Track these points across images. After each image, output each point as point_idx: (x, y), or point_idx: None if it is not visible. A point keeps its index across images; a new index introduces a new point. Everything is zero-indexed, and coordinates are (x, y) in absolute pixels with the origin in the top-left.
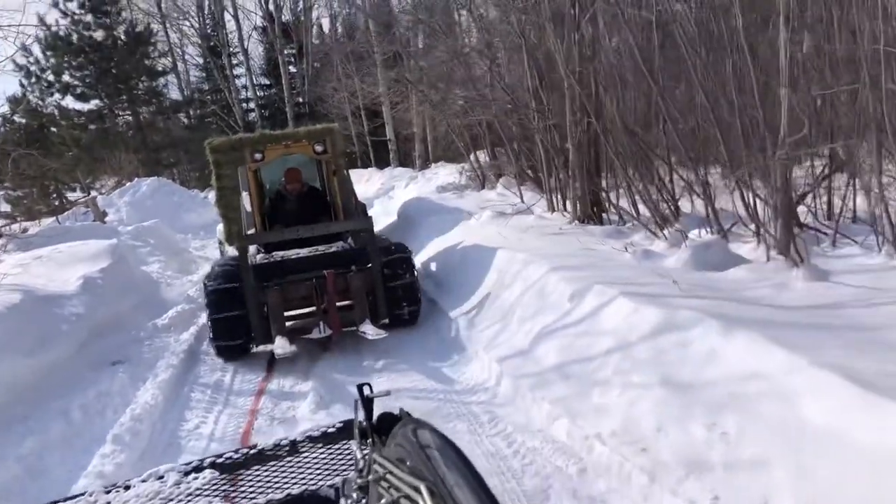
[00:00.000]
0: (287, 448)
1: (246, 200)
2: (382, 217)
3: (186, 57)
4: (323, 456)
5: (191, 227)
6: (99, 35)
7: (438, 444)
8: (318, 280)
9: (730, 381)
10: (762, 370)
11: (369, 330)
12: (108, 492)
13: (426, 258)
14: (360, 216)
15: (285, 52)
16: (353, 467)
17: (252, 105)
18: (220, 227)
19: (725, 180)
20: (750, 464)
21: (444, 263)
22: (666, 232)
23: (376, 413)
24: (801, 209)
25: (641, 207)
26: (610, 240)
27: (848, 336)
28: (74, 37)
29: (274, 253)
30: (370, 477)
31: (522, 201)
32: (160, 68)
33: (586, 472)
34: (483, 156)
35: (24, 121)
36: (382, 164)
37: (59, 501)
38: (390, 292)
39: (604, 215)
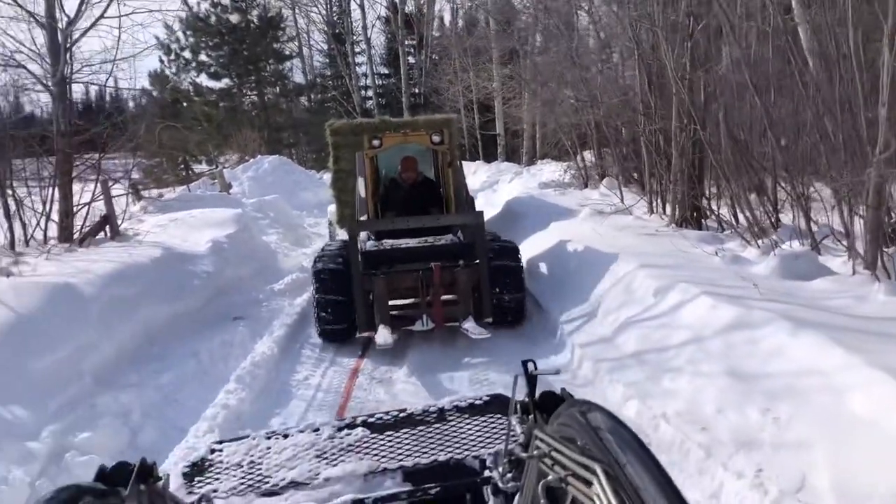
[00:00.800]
0: (435, 415)
1: (360, 186)
2: (486, 209)
3: (312, 43)
4: (469, 426)
5: (306, 204)
6: (234, 18)
7: (612, 427)
8: (424, 272)
9: (789, 374)
10: (820, 366)
11: (472, 328)
12: (268, 437)
13: (522, 249)
14: (470, 210)
15: (406, 42)
16: (499, 440)
17: (370, 93)
18: (332, 208)
19: (824, 195)
20: (795, 444)
21: (538, 255)
22: (760, 241)
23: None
24: None
25: (741, 216)
26: (704, 244)
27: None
28: (213, 18)
29: (384, 241)
30: (534, 453)
31: (622, 202)
32: (287, 52)
33: (650, 447)
34: (589, 155)
35: (162, 95)
36: (490, 157)
37: (224, 441)
38: (495, 283)
39: (703, 221)
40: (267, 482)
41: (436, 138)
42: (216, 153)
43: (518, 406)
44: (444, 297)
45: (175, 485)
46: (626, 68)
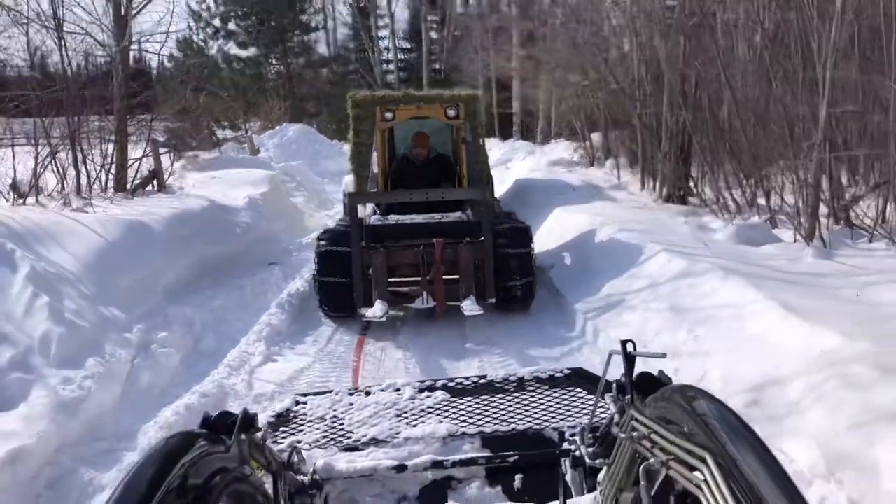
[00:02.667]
0: (514, 384)
1: (374, 160)
2: (498, 185)
3: (336, 15)
4: (548, 398)
5: (327, 172)
6: None
7: (721, 415)
8: (426, 248)
9: (713, 308)
10: (736, 302)
11: (466, 305)
12: (351, 393)
13: (526, 216)
14: (481, 187)
15: (429, 18)
16: (578, 415)
17: (392, 66)
18: (347, 179)
19: (785, 176)
20: (704, 353)
21: (534, 220)
22: (726, 214)
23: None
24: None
25: (713, 193)
26: (681, 216)
27: (806, 287)
28: None
29: (390, 216)
30: (633, 434)
31: (619, 179)
32: (313, 24)
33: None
34: (598, 137)
35: (190, 61)
36: (506, 135)
37: (309, 394)
38: (501, 261)
39: (688, 198)
40: (349, 437)
41: (451, 112)
42: (242, 120)
43: (613, 385)
44: (447, 275)
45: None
46: (629, 58)
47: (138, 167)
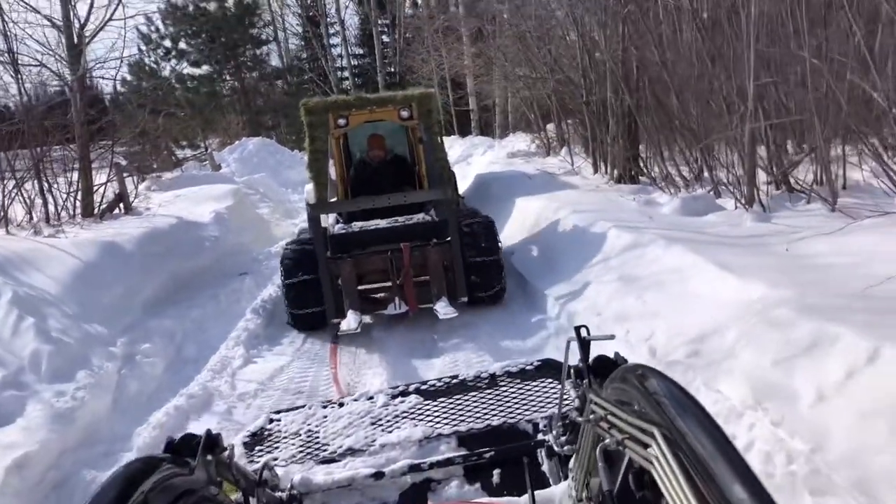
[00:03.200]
0: (486, 380)
1: (331, 168)
2: (460, 181)
3: (287, 26)
4: (521, 391)
5: (290, 182)
6: (211, 6)
7: (669, 391)
8: (394, 253)
9: (658, 273)
10: (679, 266)
11: (440, 308)
12: (324, 406)
13: (488, 209)
14: (443, 186)
15: (379, 22)
16: (551, 405)
17: (346, 73)
18: (308, 188)
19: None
20: (651, 315)
21: (496, 211)
22: (672, 189)
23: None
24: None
25: (659, 169)
26: (632, 195)
27: (742, 247)
28: (191, 7)
29: (353, 223)
30: (590, 417)
31: (572, 165)
32: (264, 37)
33: (563, 326)
34: (552, 127)
35: (145, 84)
36: (464, 132)
37: (282, 411)
38: (471, 270)
39: (638, 177)
40: (325, 449)
41: (404, 114)
42: (200, 137)
43: (571, 371)
44: (417, 278)
45: (235, 455)
46: (571, 46)
47: (104, 192)
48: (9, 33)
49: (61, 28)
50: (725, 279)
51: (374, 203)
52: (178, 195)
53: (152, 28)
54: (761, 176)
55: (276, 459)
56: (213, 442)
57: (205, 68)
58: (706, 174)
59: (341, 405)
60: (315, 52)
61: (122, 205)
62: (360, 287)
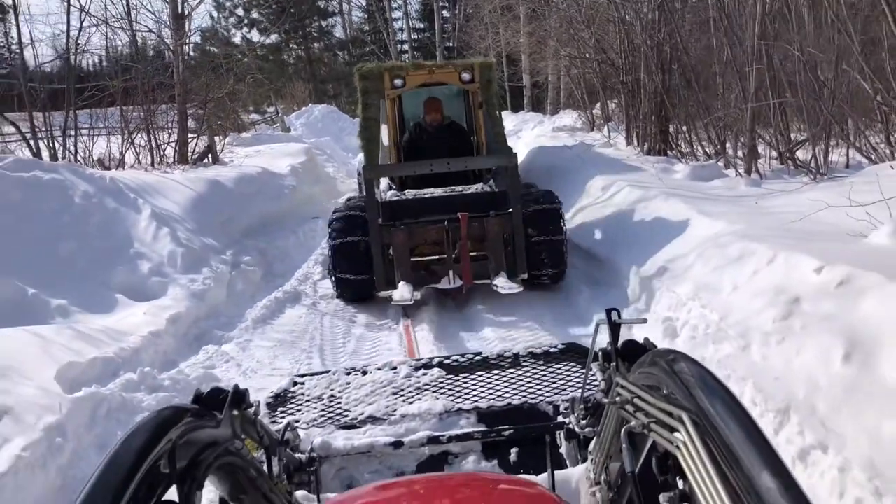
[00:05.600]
0: (510, 360)
1: (384, 132)
2: None
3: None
4: (542, 373)
5: (351, 147)
6: None
7: (699, 376)
8: (450, 223)
9: (658, 220)
10: (674, 215)
11: (501, 282)
12: (348, 373)
13: (532, 169)
14: (506, 153)
15: None
16: (573, 388)
17: (406, 46)
18: (360, 157)
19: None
20: (646, 246)
21: (538, 170)
22: (695, 160)
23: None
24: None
25: (697, 147)
26: (656, 165)
27: (724, 202)
28: None
29: (407, 191)
30: (616, 399)
31: (609, 138)
32: (330, 9)
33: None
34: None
35: (214, 49)
36: (516, 108)
37: (306, 374)
38: (533, 248)
39: (669, 152)
40: (346, 415)
41: (465, 76)
42: (267, 103)
43: (599, 354)
44: (474, 252)
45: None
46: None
47: (195, 144)
48: (129, 3)
49: (168, 0)
50: (701, 221)
51: (431, 167)
52: (258, 150)
53: None
54: (772, 153)
55: (297, 421)
56: (239, 397)
57: (273, 37)
58: (729, 150)
59: (365, 373)
60: (377, 24)
61: (210, 156)
62: (413, 259)
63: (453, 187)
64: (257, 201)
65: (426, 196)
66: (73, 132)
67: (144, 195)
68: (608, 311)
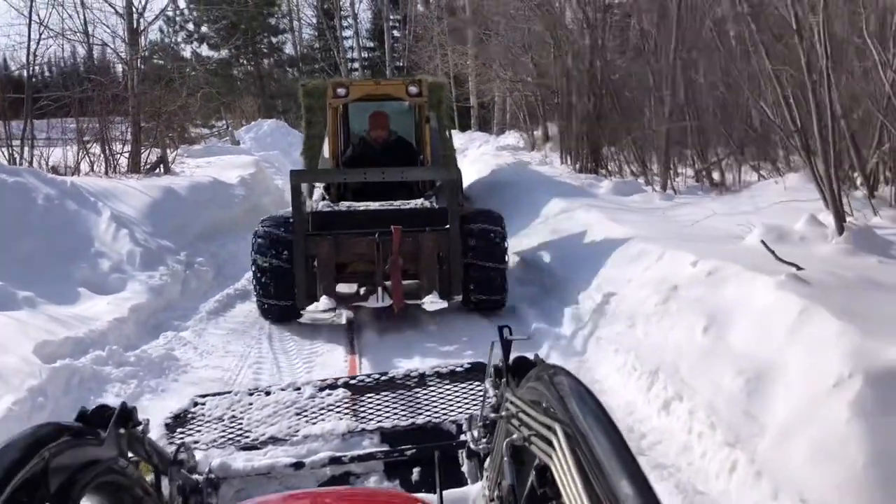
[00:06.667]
0: (416, 379)
1: (326, 145)
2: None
3: (302, 17)
4: (448, 392)
5: (300, 162)
6: None
7: (574, 390)
8: (381, 236)
9: (578, 228)
10: (590, 222)
11: (428, 299)
12: (251, 394)
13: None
14: (448, 166)
15: (391, 18)
16: (476, 407)
17: (356, 65)
18: None
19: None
20: (565, 247)
21: (480, 186)
22: (620, 177)
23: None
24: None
25: (625, 167)
26: (584, 181)
27: (637, 212)
28: None
29: (341, 203)
30: (503, 413)
31: (546, 157)
32: (281, 27)
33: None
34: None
35: (162, 63)
36: (465, 128)
37: (207, 395)
38: (471, 270)
39: (600, 170)
40: (247, 436)
41: (413, 89)
42: (216, 117)
43: (493, 371)
44: (406, 270)
45: (157, 435)
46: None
47: (148, 154)
48: (86, 18)
49: (123, 15)
50: (613, 228)
51: (365, 176)
52: (209, 162)
53: (177, 11)
54: (689, 172)
55: (196, 442)
56: (126, 415)
57: (223, 52)
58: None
59: (268, 393)
60: (327, 42)
61: (162, 166)
62: (340, 275)
63: (392, 202)
64: (209, 209)
65: (359, 208)
66: (30, 140)
67: (104, 199)
68: (500, 329)
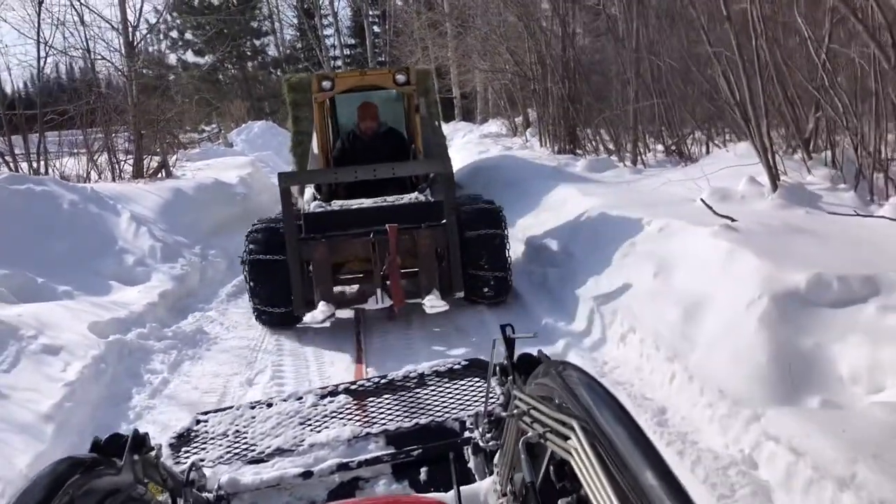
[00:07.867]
0: (415, 380)
1: (314, 140)
2: None
3: (283, 18)
4: (448, 390)
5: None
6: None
7: (587, 385)
8: (377, 235)
9: (554, 200)
10: (565, 196)
11: (428, 301)
12: (252, 407)
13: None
14: (441, 158)
15: (370, 14)
16: (478, 403)
17: (339, 62)
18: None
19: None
20: (541, 223)
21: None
22: (589, 156)
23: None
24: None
25: (600, 146)
26: (561, 160)
27: (608, 186)
28: (196, 1)
29: (333, 202)
30: (514, 412)
31: (526, 141)
32: (263, 29)
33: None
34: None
35: (149, 72)
36: (449, 118)
37: (209, 412)
38: (472, 279)
39: (577, 151)
40: (253, 450)
41: (400, 77)
42: (206, 121)
43: (497, 369)
44: (405, 268)
45: (163, 455)
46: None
47: (150, 161)
48: (87, 35)
49: (119, 30)
50: (584, 199)
51: (356, 174)
52: (207, 164)
53: (161, 19)
54: (660, 147)
55: (203, 460)
56: (139, 441)
57: (208, 58)
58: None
59: (269, 405)
60: (310, 42)
61: (164, 170)
62: (337, 277)
63: (385, 198)
64: (214, 207)
65: (352, 207)
66: (45, 153)
67: (121, 202)
68: (503, 327)
